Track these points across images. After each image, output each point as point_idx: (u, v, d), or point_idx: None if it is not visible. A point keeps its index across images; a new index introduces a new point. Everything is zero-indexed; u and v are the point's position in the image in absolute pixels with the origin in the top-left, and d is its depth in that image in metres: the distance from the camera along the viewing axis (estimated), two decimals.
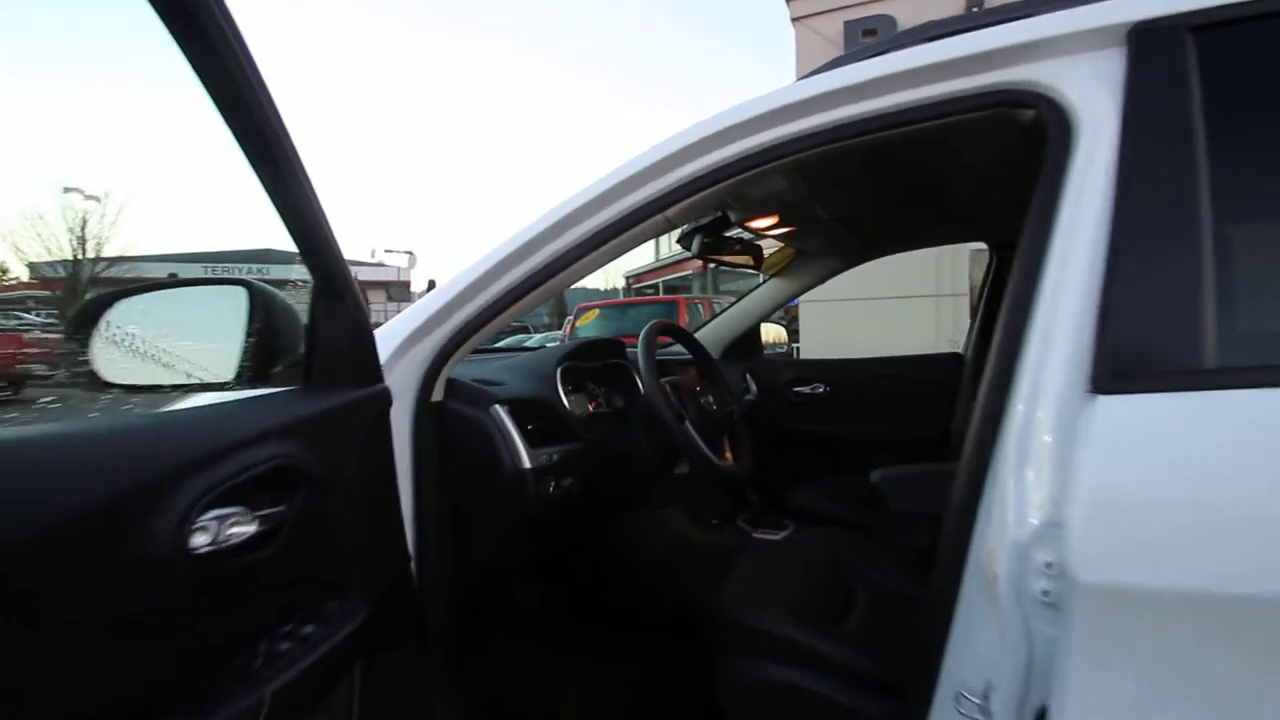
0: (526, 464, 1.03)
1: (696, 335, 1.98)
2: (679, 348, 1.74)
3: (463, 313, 0.94)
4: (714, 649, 1.05)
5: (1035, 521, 0.61)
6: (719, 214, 1.50)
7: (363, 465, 0.81)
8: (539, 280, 0.92)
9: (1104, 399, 0.59)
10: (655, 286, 20.51)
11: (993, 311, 1.89)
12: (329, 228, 0.73)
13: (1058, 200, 0.67)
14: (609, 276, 27.81)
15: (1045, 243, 0.66)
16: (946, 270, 5.56)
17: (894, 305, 5.61)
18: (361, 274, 24.21)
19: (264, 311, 0.78)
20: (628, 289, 23.63)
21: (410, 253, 27.01)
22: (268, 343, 0.78)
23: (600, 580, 1.55)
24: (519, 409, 1.08)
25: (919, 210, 1.65)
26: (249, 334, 0.78)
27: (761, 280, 2.11)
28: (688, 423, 1.23)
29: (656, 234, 0.97)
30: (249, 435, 0.61)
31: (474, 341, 0.96)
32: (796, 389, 2.08)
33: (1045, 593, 0.60)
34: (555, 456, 1.11)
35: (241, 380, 0.75)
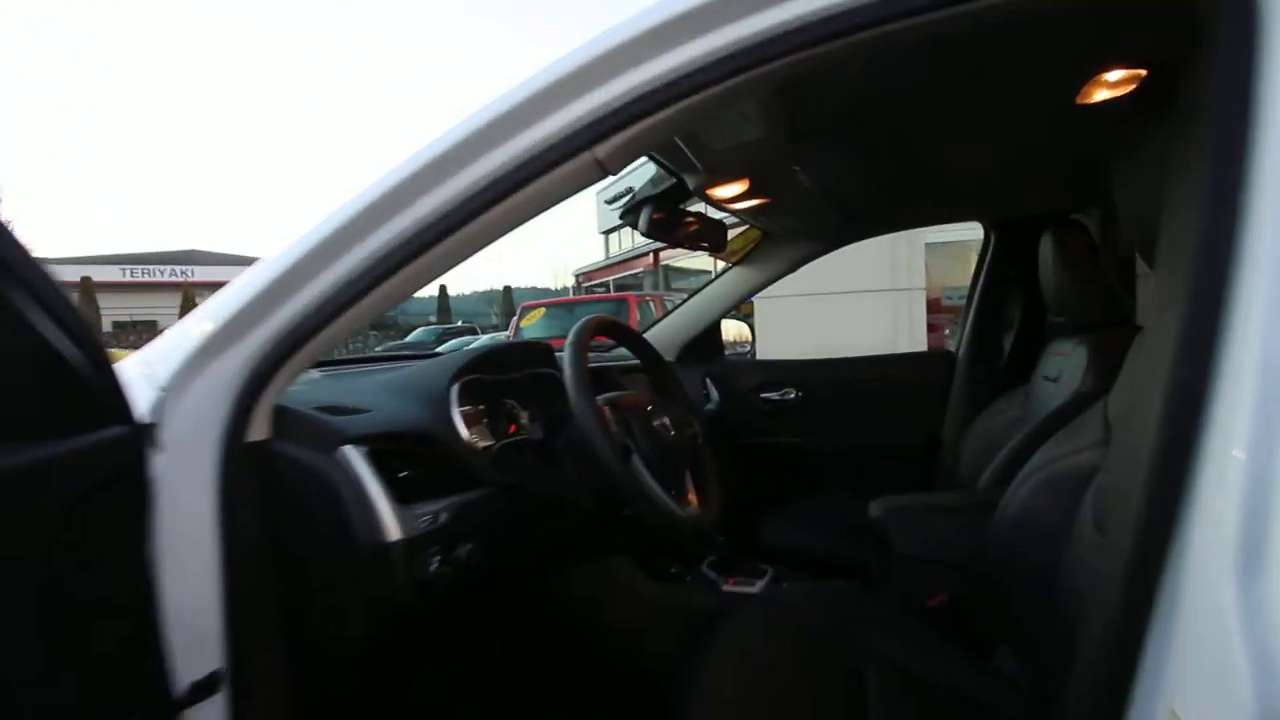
0: (392, 534, 0.70)
1: (646, 335, 1.66)
2: (624, 351, 1.40)
3: (296, 302, 0.63)
4: None
5: None
6: (674, 180, 1.18)
7: (79, 572, 0.50)
8: (414, 249, 0.61)
9: None
10: (606, 285, 20.14)
11: (991, 301, 1.65)
12: None
13: (1248, 128, 0.41)
14: (558, 274, 27.26)
15: (1235, 199, 0.40)
16: (903, 264, 5.44)
17: (849, 301, 5.45)
18: None
19: None
20: (577, 287, 23.13)
21: None
22: None
23: (524, 668, 1.19)
24: (386, 448, 0.74)
25: (927, 170, 1.34)
26: None
27: (715, 273, 1.81)
28: (636, 458, 0.89)
29: (584, 184, 0.65)
30: None
31: (318, 346, 0.64)
32: (765, 395, 1.82)
33: None
34: (443, 516, 0.78)
35: None
